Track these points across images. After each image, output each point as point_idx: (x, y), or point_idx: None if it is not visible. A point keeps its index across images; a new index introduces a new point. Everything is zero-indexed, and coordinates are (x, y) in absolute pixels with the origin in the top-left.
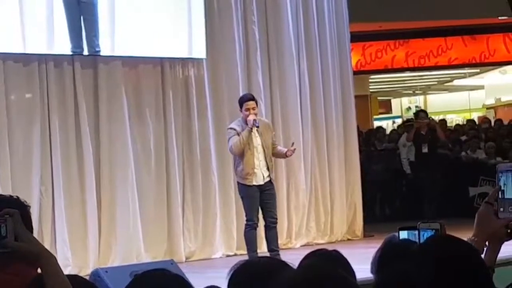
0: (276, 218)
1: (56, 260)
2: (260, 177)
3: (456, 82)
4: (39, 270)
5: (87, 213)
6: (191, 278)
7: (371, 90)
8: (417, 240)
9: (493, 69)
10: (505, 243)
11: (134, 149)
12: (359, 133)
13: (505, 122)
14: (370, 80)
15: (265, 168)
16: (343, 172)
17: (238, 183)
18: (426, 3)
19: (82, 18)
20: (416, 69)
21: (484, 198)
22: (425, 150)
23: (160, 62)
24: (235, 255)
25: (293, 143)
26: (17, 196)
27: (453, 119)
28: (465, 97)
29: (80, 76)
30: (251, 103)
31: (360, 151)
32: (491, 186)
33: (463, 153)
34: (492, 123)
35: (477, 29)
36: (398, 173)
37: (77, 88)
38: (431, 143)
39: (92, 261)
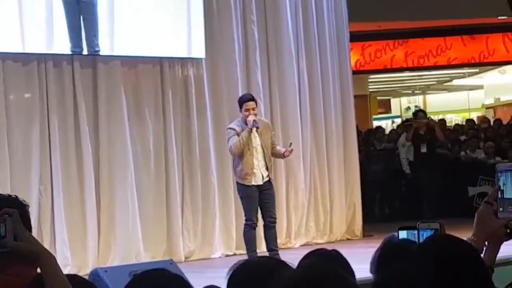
0: (275, 218)
1: (56, 260)
2: (259, 177)
3: (456, 82)
4: (38, 270)
5: (86, 213)
6: (191, 278)
7: (370, 90)
8: (416, 240)
9: (492, 69)
10: (505, 242)
11: (133, 148)
12: (358, 133)
13: (505, 122)
14: (369, 80)
15: (264, 168)
16: (343, 171)
17: (237, 183)
18: (425, 3)
19: (81, 17)
20: (416, 69)
21: (484, 198)
22: (423, 150)
23: (159, 62)
24: (234, 255)
25: (290, 144)
26: (15, 196)
27: (453, 119)
28: (464, 97)
29: (79, 75)
30: (251, 104)
31: (360, 151)
32: (491, 185)
33: (463, 153)
34: (491, 123)
35: (477, 29)
36: (397, 173)
37: (77, 88)
38: (430, 143)
39: (91, 261)
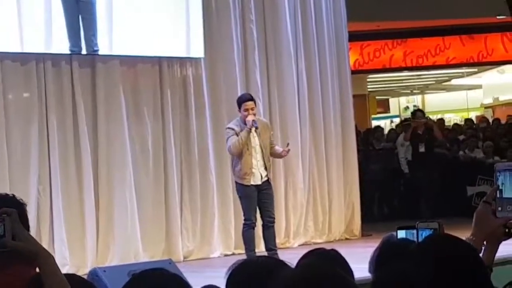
0: (274, 218)
1: (54, 260)
2: (258, 177)
3: (454, 82)
4: (37, 270)
5: (85, 213)
6: (189, 277)
7: (369, 90)
8: (415, 240)
9: (491, 68)
10: (503, 242)
11: (132, 148)
12: (357, 133)
13: (503, 121)
14: (368, 80)
15: (263, 168)
16: (341, 171)
17: (236, 182)
18: (424, 3)
19: (80, 17)
20: (414, 68)
21: (482, 198)
22: (422, 149)
23: (158, 61)
24: (233, 254)
25: (288, 144)
26: (13, 194)
27: (451, 119)
28: (463, 96)
29: (78, 75)
30: (250, 104)
31: (358, 151)
32: (489, 185)
33: (461, 153)
34: (490, 123)
35: (475, 29)
36: (396, 173)
37: (75, 87)
38: (428, 142)
39: (90, 261)
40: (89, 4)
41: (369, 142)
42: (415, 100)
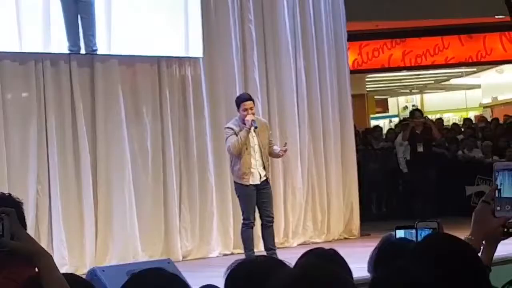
0: (273, 217)
1: (53, 259)
2: (256, 176)
3: (453, 81)
4: (36, 270)
5: (83, 212)
6: (188, 277)
7: (367, 89)
8: (413, 239)
9: (489, 68)
10: (502, 242)
11: (130, 148)
12: (356, 132)
13: (502, 121)
14: (366, 79)
15: (261, 168)
16: (340, 171)
17: (235, 182)
18: (423, 2)
19: (79, 17)
20: (413, 68)
21: (481, 197)
22: (420, 149)
23: (156, 61)
24: (232, 254)
25: (285, 144)
26: (9, 193)
27: (450, 118)
28: (461, 96)
29: (77, 75)
30: (249, 103)
31: (357, 150)
32: (488, 185)
33: (460, 152)
34: (489, 122)
35: (474, 28)
36: (395, 172)
37: (74, 87)
38: (426, 142)
39: (89, 260)
40: (88, 4)
41: (368, 141)
42: (414, 100)
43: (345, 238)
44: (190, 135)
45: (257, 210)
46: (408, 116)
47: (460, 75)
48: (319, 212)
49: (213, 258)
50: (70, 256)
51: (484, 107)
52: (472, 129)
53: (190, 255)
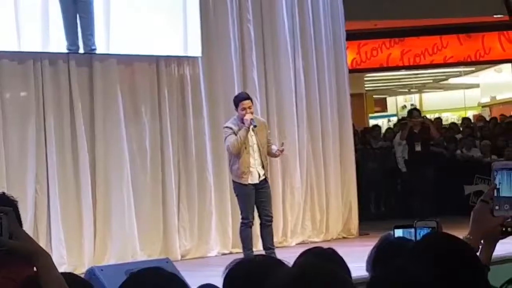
0: (272, 216)
1: (51, 259)
2: (255, 175)
3: (452, 81)
4: (34, 269)
5: (82, 212)
6: (187, 276)
7: (366, 89)
8: (412, 238)
9: (488, 67)
10: (501, 241)
11: (129, 147)
12: (355, 132)
13: (500, 120)
14: (365, 79)
15: (260, 167)
16: (339, 170)
17: (234, 181)
18: (421, 2)
19: (78, 16)
20: (412, 67)
21: (480, 196)
22: (418, 148)
23: (155, 60)
24: (231, 253)
25: (283, 143)
26: (3, 192)
27: (449, 118)
28: (460, 95)
29: (76, 74)
30: (247, 102)
31: (356, 150)
32: (486, 184)
33: (459, 151)
34: (488, 121)
35: (473, 28)
36: (393, 172)
37: (72, 86)
38: (424, 141)
39: (87, 260)
40: (86, 3)
41: (366, 141)
42: (413, 99)
43: (344, 238)
44: (188, 135)
45: (256, 210)
46: (406, 115)
47: (459, 75)
48: (317, 211)
49: (212, 258)
50: (69, 255)
51: (482, 107)
52: (470, 128)
53: (189, 255)
